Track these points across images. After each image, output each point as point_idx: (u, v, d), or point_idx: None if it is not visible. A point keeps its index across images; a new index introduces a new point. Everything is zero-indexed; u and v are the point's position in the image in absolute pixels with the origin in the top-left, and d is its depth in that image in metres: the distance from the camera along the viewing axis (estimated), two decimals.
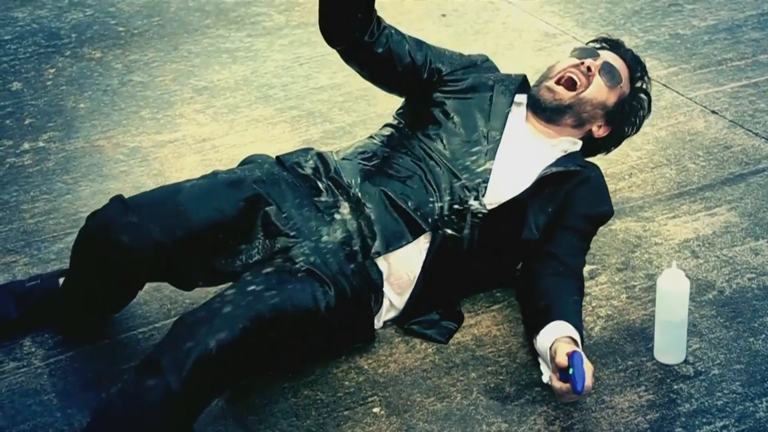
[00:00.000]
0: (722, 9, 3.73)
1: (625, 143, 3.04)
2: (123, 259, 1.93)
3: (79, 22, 3.84)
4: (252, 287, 1.90)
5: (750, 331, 2.17)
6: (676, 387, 2.03)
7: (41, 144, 3.00)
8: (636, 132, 2.43)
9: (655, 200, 2.64)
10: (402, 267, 2.09)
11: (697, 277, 2.34)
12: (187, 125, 3.08)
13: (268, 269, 1.97)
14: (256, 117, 3.11)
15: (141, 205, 1.97)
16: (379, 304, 2.13)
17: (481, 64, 2.34)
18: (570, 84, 2.26)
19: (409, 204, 2.09)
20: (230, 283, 1.97)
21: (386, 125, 2.31)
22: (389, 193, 2.09)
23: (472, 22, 3.71)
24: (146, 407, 1.76)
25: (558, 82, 2.26)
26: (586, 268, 2.35)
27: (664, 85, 3.22)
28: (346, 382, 2.06)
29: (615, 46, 2.39)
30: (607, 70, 2.28)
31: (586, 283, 2.28)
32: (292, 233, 2.04)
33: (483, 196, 2.12)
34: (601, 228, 2.52)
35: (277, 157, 2.22)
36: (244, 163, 2.24)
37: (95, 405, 1.96)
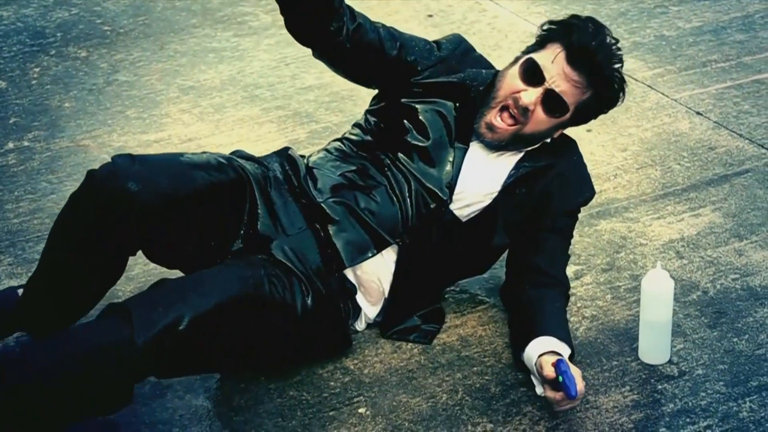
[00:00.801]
0: (707, 11, 3.75)
1: (610, 144, 3.05)
2: (129, 207, 1.88)
3: (64, 21, 3.83)
4: (235, 271, 1.90)
5: (734, 331, 2.19)
6: (660, 387, 2.04)
7: (26, 143, 2.99)
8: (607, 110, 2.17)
9: (640, 201, 2.66)
10: (371, 278, 2.09)
11: (681, 277, 2.35)
12: (173, 125, 3.08)
13: (247, 260, 1.97)
14: (242, 117, 3.11)
15: (147, 159, 1.98)
16: (357, 311, 2.14)
17: (453, 56, 2.16)
18: (509, 121, 2.07)
19: (374, 217, 2.07)
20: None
21: (356, 125, 2.24)
22: (354, 207, 2.07)
23: (459, 23, 3.71)
24: (101, 345, 1.75)
25: (501, 111, 2.07)
26: (571, 269, 2.36)
27: (650, 87, 3.24)
28: (332, 383, 2.06)
29: (570, 40, 2.03)
30: (549, 103, 2.05)
31: (572, 284, 2.28)
32: (272, 226, 2.04)
33: (449, 204, 2.09)
34: (586, 228, 2.54)
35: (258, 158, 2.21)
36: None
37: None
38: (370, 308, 2.14)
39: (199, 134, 3.02)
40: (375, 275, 2.09)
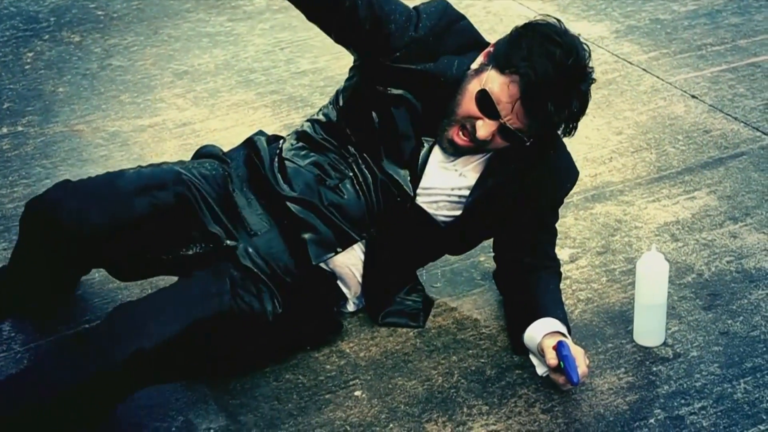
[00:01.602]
0: None
1: (605, 127, 3.05)
2: (61, 240, 1.93)
3: (57, 5, 3.81)
4: (198, 288, 1.90)
5: (728, 313, 2.19)
6: (655, 369, 2.04)
7: (20, 128, 2.98)
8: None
9: (635, 184, 2.66)
10: (343, 269, 2.08)
11: (676, 260, 2.35)
12: (168, 110, 3.07)
13: (213, 269, 1.96)
14: (236, 101, 3.10)
15: (81, 188, 1.98)
16: (343, 295, 2.13)
17: (431, 33, 1.97)
18: (470, 138, 1.97)
19: (340, 212, 2.03)
20: (174, 278, 1.99)
21: (330, 102, 2.13)
22: (318, 205, 2.03)
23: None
24: (70, 384, 1.78)
25: (461, 129, 1.97)
26: (566, 252, 2.37)
27: (645, 70, 3.23)
28: (328, 366, 2.06)
29: (528, 79, 1.86)
30: (505, 135, 1.94)
31: (567, 267, 2.29)
32: (235, 231, 2.03)
33: (415, 198, 2.03)
34: (581, 212, 2.54)
35: (224, 153, 2.18)
36: (196, 156, 2.22)
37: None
38: (350, 293, 2.15)
39: (193, 119, 3.01)
40: (345, 266, 2.08)
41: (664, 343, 2.10)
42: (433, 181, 2.05)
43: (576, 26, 3.57)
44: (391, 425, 1.92)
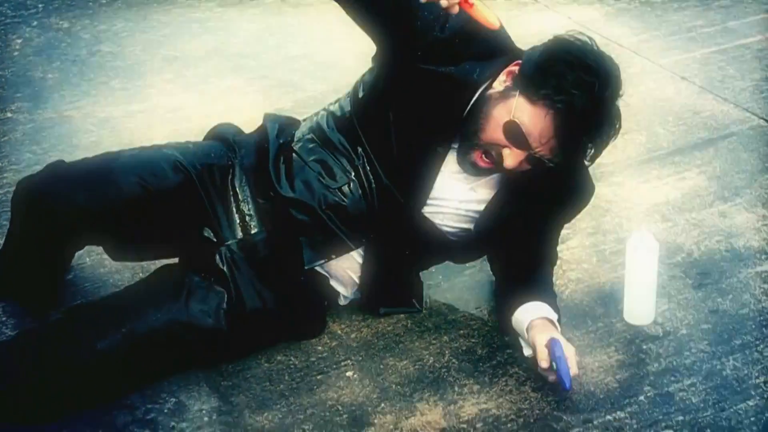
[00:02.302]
0: None
1: None
2: (49, 223, 1.93)
3: None
4: (148, 308, 1.89)
5: (717, 291, 2.20)
6: (645, 347, 2.05)
7: (9, 115, 2.97)
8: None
9: (626, 165, 2.66)
10: (338, 271, 2.05)
11: (666, 239, 2.36)
12: (158, 95, 3.06)
13: (180, 275, 1.96)
14: (227, 87, 3.10)
15: (73, 170, 1.97)
16: (335, 293, 2.10)
17: (457, 35, 1.87)
18: (491, 163, 1.91)
19: (339, 217, 1.98)
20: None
21: (348, 97, 2.06)
22: (317, 210, 1.97)
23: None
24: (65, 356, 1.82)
25: (485, 153, 1.90)
26: None
27: (635, 52, 3.24)
28: (319, 347, 2.07)
29: (563, 117, 1.79)
30: (533, 161, 1.87)
31: (558, 248, 2.29)
32: (227, 228, 2.01)
33: (422, 207, 1.96)
34: None
35: (236, 138, 2.14)
36: (210, 135, 2.20)
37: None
38: (345, 290, 2.11)
39: (184, 104, 3.00)
40: (341, 269, 2.05)
41: (654, 322, 2.11)
42: (443, 192, 1.97)
43: (567, 10, 3.57)
44: (382, 405, 1.92)
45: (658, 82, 3.06)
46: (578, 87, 1.78)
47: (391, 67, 1.96)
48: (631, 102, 2.96)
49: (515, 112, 1.83)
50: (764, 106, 2.92)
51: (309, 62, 3.21)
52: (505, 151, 1.86)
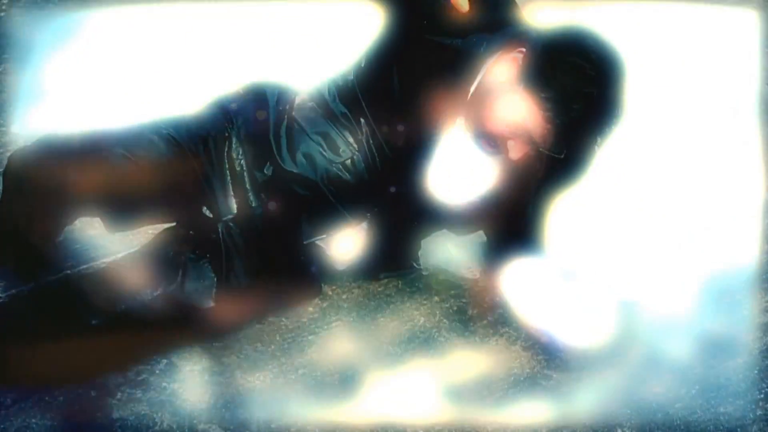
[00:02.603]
0: None
1: None
2: (42, 196, 1.92)
3: None
4: (142, 285, 1.90)
5: None
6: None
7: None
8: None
9: None
10: (338, 242, 2.05)
11: None
12: None
13: (175, 250, 1.95)
14: None
15: (63, 143, 1.95)
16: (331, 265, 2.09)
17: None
18: (495, 150, 1.92)
19: (341, 194, 1.98)
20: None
21: (351, 67, 2.02)
22: (318, 183, 1.96)
23: None
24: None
25: (487, 141, 1.91)
26: None
27: None
28: (310, 308, 2.07)
29: (560, 122, 1.80)
30: (536, 152, 1.87)
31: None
32: (223, 202, 2.00)
33: (422, 185, 1.96)
34: None
35: (234, 101, 2.08)
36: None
37: None
38: (344, 259, 2.09)
39: None
40: (339, 242, 2.05)
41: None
42: (446, 166, 1.97)
43: None
44: (373, 365, 1.93)
45: None
46: (577, 98, 1.78)
47: (396, 36, 1.93)
48: None
49: (520, 109, 1.83)
50: None
51: None
52: (510, 143, 1.86)
